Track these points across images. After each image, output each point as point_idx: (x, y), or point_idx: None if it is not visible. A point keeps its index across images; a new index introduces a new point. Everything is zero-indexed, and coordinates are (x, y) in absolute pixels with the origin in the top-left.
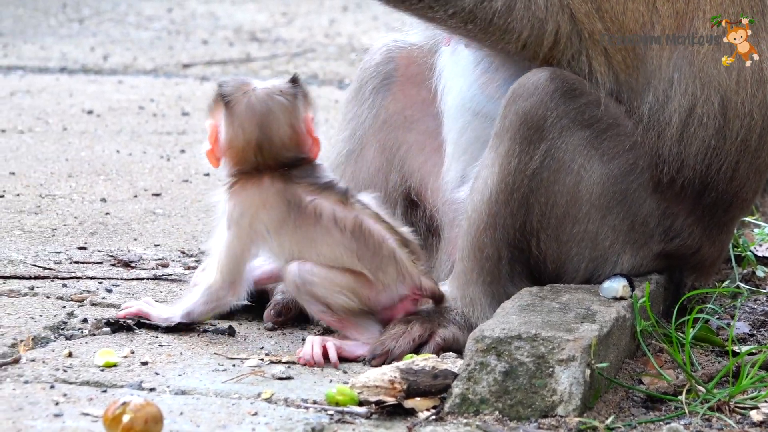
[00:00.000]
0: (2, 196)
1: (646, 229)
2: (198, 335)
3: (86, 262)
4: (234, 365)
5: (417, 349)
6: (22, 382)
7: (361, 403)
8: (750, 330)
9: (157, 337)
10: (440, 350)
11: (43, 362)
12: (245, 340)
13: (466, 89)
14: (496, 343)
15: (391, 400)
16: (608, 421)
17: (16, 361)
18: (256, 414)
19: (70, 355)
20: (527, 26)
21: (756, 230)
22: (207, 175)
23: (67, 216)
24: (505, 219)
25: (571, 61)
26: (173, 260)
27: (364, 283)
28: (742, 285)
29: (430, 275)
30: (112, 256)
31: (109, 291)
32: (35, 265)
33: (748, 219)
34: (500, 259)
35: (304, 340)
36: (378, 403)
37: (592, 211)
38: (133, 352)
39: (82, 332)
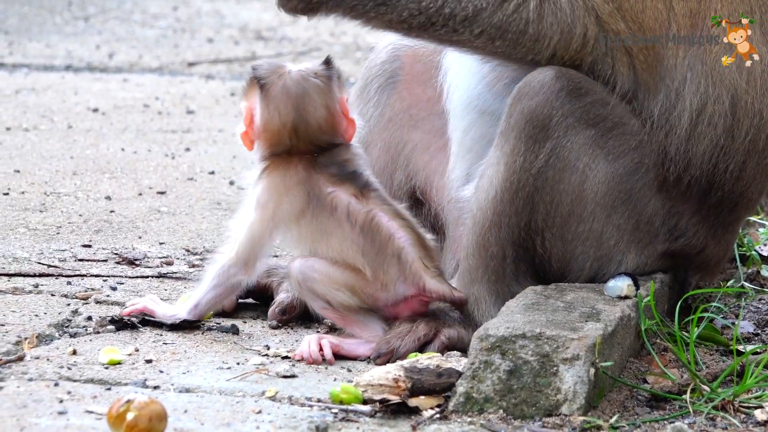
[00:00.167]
0: (7, 194)
1: (651, 228)
2: (202, 333)
3: (91, 260)
4: (238, 363)
5: (422, 348)
6: (27, 379)
7: (365, 402)
8: (755, 329)
9: (161, 335)
10: (445, 349)
11: (48, 360)
12: (250, 338)
13: (472, 87)
14: (500, 341)
15: (395, 399)
16: (612, 420)
17: (21, 358)
18: (260, 412)
19: (74, 352)
20: (557, 32)
21: (761, 230)
22: (212, 173)
23: (71, 214)
24: (510, 218)
25: (595, 63)
26: (178, 258)
27: (364, 280)
28: (746, 284)
29: (442, 279)
30: (116, 254)
31: (114, 289)
32: (40, 263)
33: (753, 218)
34: (505, 258)
35: None
36: (382, 401)
37: (597, 210)
38: (137, 350)
39: (86, 330)
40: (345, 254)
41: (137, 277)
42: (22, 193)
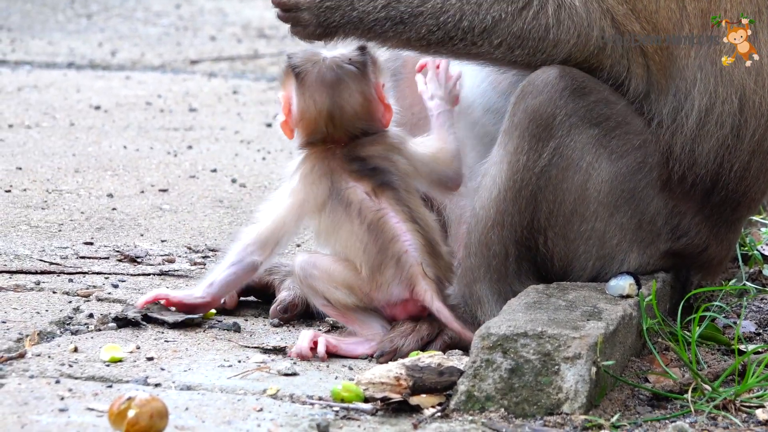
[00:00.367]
0: (9, 191)
1: (653, 228)
2: (204, 331)
3: (92, 258)
4: (240, 361)
5: (424, 347)
6: (28, 376)
7: (366, 400)
8: (756, 329)
9: (162, 332)
10: (446, 348)
11: (49, 357)
12: (251, 336)
13: (476, 85)
14: (502, 340)
15: (396, 397)
16: (614, 419)
17: (22, 355)
18: (261, 410)
19: (75, 350)
20: (574, 35)
21: (763, 229)
22: (214, 171)
23: (73, 211)
24: (512, 216)
25: (612, 66)
26: (180, 256)
27: (361, 279)
28: (748, 284)
29: (436, 289)
30: (118, 251)
31: (116, 286)
32: (41, 260)
33: (755, 218)
34: (507, 257)
35: None
36: (383, 399)
37: (599, 209)
38: (138, 348)
39: (87, 327)
40: (350, 250)
41: (139, 274)
42: (24, 190)
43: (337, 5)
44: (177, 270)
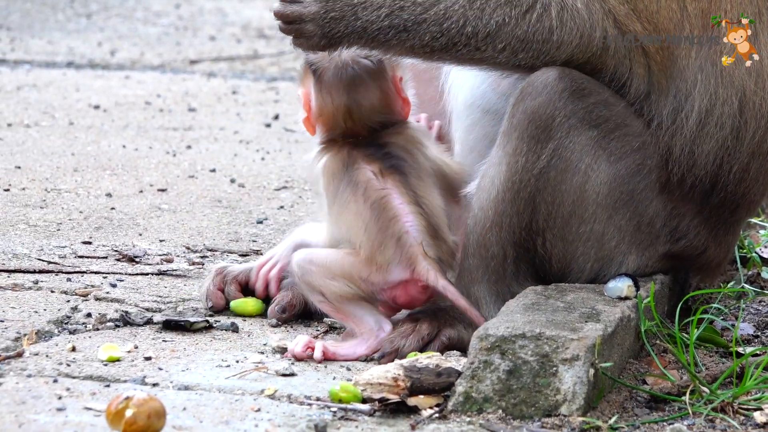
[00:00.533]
0: (8, 190)
1: (652, 230)
2: (202, 331)
3: (91, 257)
4: (237, 361)
5: (423, 347)
6: (26, 375)
7: (364, 401)
8: (754, 331)
9: (160, 332)
10: (445, 348)
11: (47, 356)
12: (249, 336)
13: (476, 87)
14: (500, 341)
15: (394, 398)
16: (611, 421)
17: (20, 354)
18: (259, 410)
19: (73, 349)
20: (577, 36)
21: (761, 232)
22: (213, 171)
23: (72, 210)
24: (511, 218)
25: (617, 66)
26: (178, 256)
27: (360, 264)
28: (747, 286)
29: (438, 268)
30: (116, 251)
31: (114, 286)
32: (40, 259)
33: (754, 220)
34: (506, 258)
35: None
36: (381, 400)
37: (598, 211)
38: (136, 347)
39: (85, 327)
40: (352, 230)
41: (137, 274)
42: (23, 189)
43: (341, 15)
44: (175, 270)
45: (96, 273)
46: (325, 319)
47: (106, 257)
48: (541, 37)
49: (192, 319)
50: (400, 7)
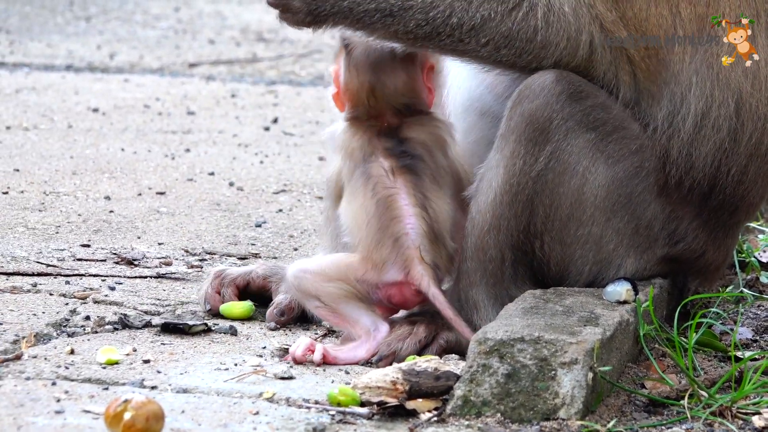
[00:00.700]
0: (6, 193)
1: (650, 233)
2: (200, 334)
3: (89, 260)
4: (236, 364)
5: (421, 351)
6: (24, 378)
7: (362, 404)
8: (753, 335)
9: (159, 335)
10: (443, 352)
11: (45, 359)
12: (248, 339)
13: (473, 89)
14: (498, 345)
15: (392, 401)
16: (610, 425)
17: (18, 357)
18: (257, 413)
19: (72, 352)
20: (563, 38)
21: (760, 236)
22: (212, 174)
23: (71, 213)
24: (509, 221)
25: (605, 72)
26: (177, 259)
27: (355, 264)
28: (745, 290)
29: (432, 274)
30: (115, 254)
31: (112, 289)
32: (38, 262)
33: (753, 225)
34: (504, 261)
35: None
36: (380, 403)
37: (596, 214)
38: (135, 350)
39: (84, 329)
40: (355, 223)
41: (136, 277)
42: (22, 192)
43: None
44: (174, 273)
45: (94, 276)
46: (322, 323)
47: (104, 260)
48: (525, 35)
49: (190, 323)
50: None
